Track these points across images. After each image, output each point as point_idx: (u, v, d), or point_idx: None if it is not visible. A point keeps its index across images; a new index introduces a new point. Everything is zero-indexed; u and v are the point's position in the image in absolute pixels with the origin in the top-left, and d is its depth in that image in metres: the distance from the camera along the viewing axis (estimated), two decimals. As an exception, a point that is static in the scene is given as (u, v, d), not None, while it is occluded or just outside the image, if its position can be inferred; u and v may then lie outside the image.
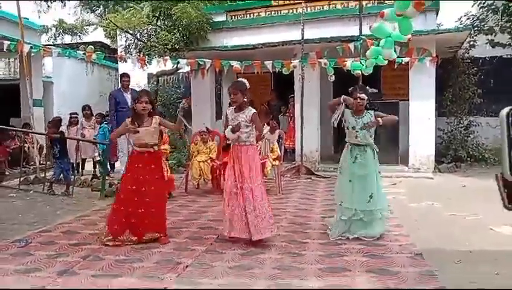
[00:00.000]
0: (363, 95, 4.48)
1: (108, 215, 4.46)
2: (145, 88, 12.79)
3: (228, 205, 4.29)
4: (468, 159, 9.59)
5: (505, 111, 0.96)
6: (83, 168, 9.09)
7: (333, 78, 8.77)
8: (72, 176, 7.49)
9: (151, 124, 4.35)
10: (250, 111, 4.33)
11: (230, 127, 4.28)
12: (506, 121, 0.95)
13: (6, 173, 8.65)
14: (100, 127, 8.86)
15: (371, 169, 4.44)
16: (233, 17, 11.13)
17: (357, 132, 4.47)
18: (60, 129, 7.67)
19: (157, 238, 4.30)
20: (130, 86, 8.27)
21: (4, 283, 3.25)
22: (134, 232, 4.25)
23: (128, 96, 7.91)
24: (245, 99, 4.34)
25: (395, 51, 7.05)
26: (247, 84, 4.39)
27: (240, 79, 4.79)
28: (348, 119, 4.53)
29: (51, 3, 11.06)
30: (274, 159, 6.97)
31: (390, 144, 9.41)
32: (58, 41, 11.30)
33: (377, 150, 4.56)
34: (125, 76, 8.35)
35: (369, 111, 4.55)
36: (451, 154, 9.63)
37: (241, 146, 4.32)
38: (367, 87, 4.92)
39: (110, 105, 8.12)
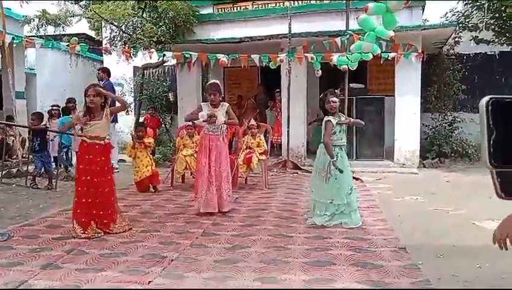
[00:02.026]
0: (335, 98, 4.79)
1: (72, 210, 4.44)
2: (129, 81, 12.68)
3: (202, 187, 5.02)
4: (452, 154, 9.72)
5: (484, 100, 0.96)
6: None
7: (320, 73, 8.79)
8: (56, 170, 7.38)
9: (102, 117, 4.39)
10: (225, 105, 5.22)
11: (208, 112, 5.03)
12: (485, 110, 0.95)
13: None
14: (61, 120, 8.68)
15: (347, 165, 4.79)
16: (220, 9, 11.07)
17: (341, 134, 4.81)
18: (43, 122, 7.55)
19: (126, 230, 4.45)
20: (105, 79, 8.42)
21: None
22: (100, 223, 4.34)
23: None
24: (220, 98, 5.22)
25: (380, 46, 7.13)
26: (221, 85, 5.40)
27: (214, 81, 5.58)
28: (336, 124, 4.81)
29: (34, -7, 10.84)
30: (260, 154, 6.96)
31: (376, 139, 9.49)
32: (41, 32, 11.08)
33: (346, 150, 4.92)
34: (98, 70, 8.78)
35: (339, 113, 4.94)
36: (436, 149, 9.75)
37: (213, 136, 5.12)
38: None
39: None
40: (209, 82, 5.55)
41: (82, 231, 4.22)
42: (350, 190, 4.70)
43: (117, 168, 8.21)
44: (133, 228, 4.56)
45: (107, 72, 8.80)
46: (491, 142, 0.93)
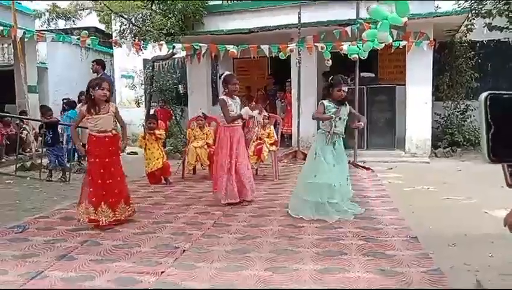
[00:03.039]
0: (346, 88, 4.77)
1: (83, 189, 4.47)
2: (139, 73, 12.73)
3: (222, 178, 5.09)
4: (465, 143, 9.61)
5: (483, 96, 0.99)
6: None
7: (330, 62, 8.73)
8: (69, 163, 7.47)
9: (109, 110, 4.38)
10: (238, 98, 5.41)
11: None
12: (484, 106, 0.97)
13: (3, 160, 8.64)
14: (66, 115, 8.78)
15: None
16: (229, 0, 11.03)
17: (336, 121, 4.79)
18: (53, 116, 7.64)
19: (131, 214, 4.55)
20: (101, 72, 8.44)
21: (1, 268, 3.25)
22: (110, 205, 4.35)
23: None
24: None
25: (391, 34, 7.05)
26: None
27: (230, 72, 5.77)
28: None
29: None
30: (271, 145, 6.97)
31: (387, 128, 9.43)
32: (52, 27, 11.20)
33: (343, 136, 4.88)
34: (93, 62, 8.63)
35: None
36: (448, 138, 9.66)
37: (235, 127, 5.24)
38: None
39: None
40: (228, 74, 5.48)
41: (94, 210, 4.27)
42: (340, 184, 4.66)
43: None
44: (145, 219, 4.62)
45: (101, 64, 8.63)
46: (490, 136, 0.95)
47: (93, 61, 8.79)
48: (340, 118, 4.75)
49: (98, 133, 4.36)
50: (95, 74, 8.53)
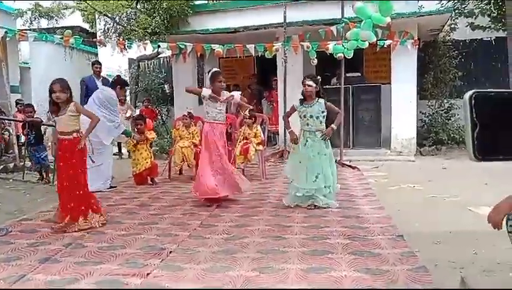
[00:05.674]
0: (311, 82, 4.87)
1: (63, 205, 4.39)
2: (124, 73, 12.62)
3: (208, 176, 5.03)
4: (449, 141, 9.73)
5: (468, 94, 0.99)
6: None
7: (316, 61, 8.76)
8: (52, 163, 7.36)
9: (67, 111, 4.35)
10: (225, 94, 5.31)
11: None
12: (469, 104, 0.97)
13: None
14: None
15: (319, 151, 4.91)
16: (214, 0, 10.98)
17: (308, 119, 4.92)
18: (36, 116, 7.52)
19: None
20: (101, 74, 8.31)
21: (-16, 273, 3.19)
22: (84, 215, 4.33)
23: (99, 84, 7.81)
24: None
25: (376, 33, 7.10)
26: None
27: (217, 69, 5.68)
28: (299, 109, 4.99)
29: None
30: (257, 144, 6.96)
31: (373, 127, 9.50)
32: (34, 26, 11.02)
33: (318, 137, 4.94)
34: (96, 63, 8.49)
35: (319, 100, 4.95)
36: (433, 137, 9.76)
37: (217, 124, 5.18)
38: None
39: (81, 91, 7.91)
40: (215, 70, 5.44)
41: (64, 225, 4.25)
42: (316, 177, 4.84)
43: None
44: (131, 220, 4.57)
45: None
46: (475, 135, 0.95)
47: (97, 63, 8.54)
48: (311, 116, 4.90)
49: (60, 135, 4.39)
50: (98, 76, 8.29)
